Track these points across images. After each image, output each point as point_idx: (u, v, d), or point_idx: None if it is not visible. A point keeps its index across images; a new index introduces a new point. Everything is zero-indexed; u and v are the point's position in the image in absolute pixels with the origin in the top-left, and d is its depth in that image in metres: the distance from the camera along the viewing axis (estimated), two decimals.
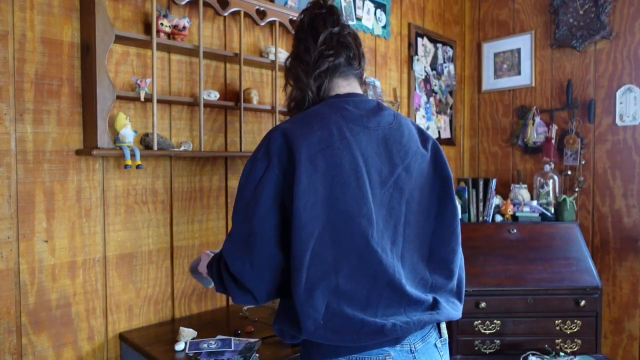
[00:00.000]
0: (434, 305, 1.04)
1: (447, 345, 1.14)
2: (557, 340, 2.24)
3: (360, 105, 1.09)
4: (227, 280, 1.04)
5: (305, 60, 1.12)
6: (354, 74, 1.16)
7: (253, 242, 0.97)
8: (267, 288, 1.01)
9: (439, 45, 3.11)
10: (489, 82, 3.22)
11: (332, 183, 0.96)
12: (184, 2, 1.66)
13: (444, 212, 1.13)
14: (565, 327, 2.24)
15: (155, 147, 1.59)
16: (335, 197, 0.96)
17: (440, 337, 1.11)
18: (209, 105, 1.82)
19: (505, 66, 3.14)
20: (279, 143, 0.98)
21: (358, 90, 1.17)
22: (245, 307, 1.85)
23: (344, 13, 2.44)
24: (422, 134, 1.16)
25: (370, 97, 1.10)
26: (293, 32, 1.19)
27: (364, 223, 0.96)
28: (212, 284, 1.23)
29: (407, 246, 1.06)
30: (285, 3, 2.05)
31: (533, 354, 2.15)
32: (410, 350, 1.02)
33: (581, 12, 2.75)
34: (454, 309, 1.09)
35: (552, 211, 2.60)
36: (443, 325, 1.13)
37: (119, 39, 1.54)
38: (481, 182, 2.60)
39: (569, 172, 2.79)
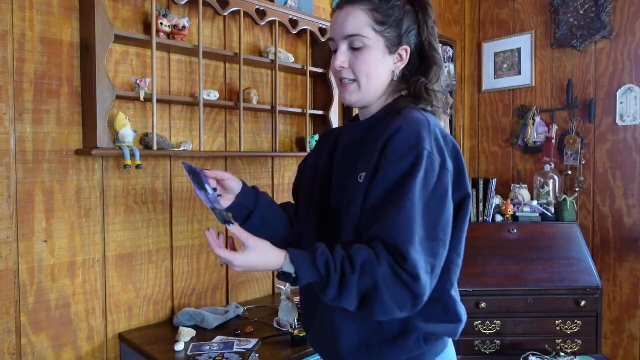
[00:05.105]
0: None
1: None
2: (557, 341, 2.23)
3: None
4: (385, 292, 0.85)
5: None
6: None
7: (438, 248, 0.90)
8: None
9: (439, 45, 3.11)
10: (489, 82, 3.22)
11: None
12: (183, 2, 1.66)
13: None
14: (566, 327, 2.23)
15: (155, 147, 1.59)
16: None
17: None
18: (209, 105, 1.81)
19: (505, 66, 3.13)
20: (441, 136, 0.97)
21: None
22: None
23: None
24: None
25: None
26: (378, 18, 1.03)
27: None
28: (209, 193, 0.96)
29: None
30: (285, 3, 2.04)
31: (533, 354, 2.14)
32: None
33: (581, 12, 2.75)
34: None
35: (553, 211, 2.60)
36: None
37: (119, 39, 1.54)
38: (481, 182, 2.60)
39: (570, 172, 2.79)
